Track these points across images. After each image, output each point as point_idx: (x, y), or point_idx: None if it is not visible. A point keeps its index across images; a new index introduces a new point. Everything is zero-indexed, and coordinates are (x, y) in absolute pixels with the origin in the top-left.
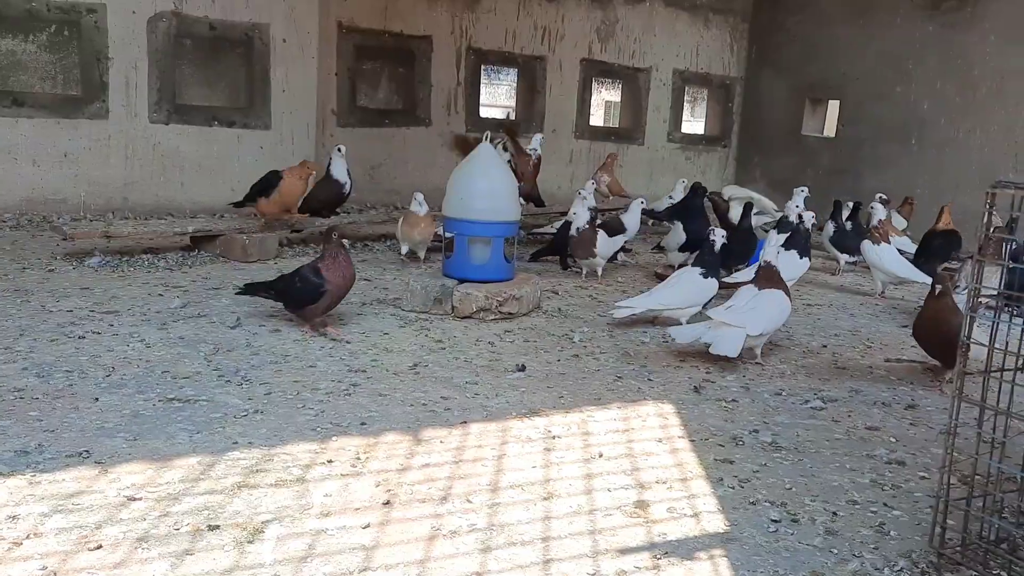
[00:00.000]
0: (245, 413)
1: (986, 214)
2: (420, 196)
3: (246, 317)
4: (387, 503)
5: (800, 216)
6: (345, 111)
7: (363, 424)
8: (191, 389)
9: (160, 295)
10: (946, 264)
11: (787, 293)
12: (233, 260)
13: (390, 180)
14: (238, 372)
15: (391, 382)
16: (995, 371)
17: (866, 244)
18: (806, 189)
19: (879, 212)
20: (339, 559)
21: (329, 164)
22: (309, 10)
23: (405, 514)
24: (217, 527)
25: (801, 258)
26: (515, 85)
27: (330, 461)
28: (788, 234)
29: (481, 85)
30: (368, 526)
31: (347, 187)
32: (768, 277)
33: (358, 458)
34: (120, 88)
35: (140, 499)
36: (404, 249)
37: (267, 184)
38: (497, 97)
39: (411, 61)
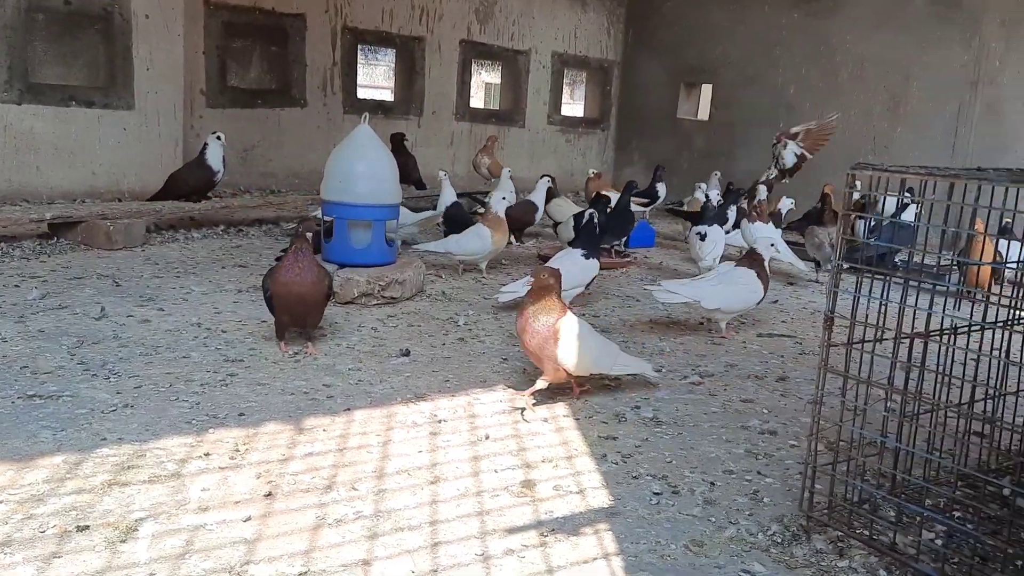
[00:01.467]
0: (114, 408)
1: (846, 194)
2: (509, 194)
3: (112, 307)
4: (269, 495)
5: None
6: (215, 91)
7: (242, 415)
8: (54, 385)
9: (16, 286)
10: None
11: (761, 278)
12: (97, 248)
13: (264, 163)
14: (105, 365)
15: (270, 371)
16: (856, 343)
17: (744, 223)
18: (719, 172)
19: (762, 193)
20: (219, 554)
21: (204, 149)
22: None
23: (288, 505)
24: (87, 528)
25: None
26: (393, 66)
27: (207, 454)
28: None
29: (358, 65)
30: (249, 519)
31: (219, 175)
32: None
33: (237, 450)
34: None
35: (0, 502)
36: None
37: None
38: (375, 78)
39: (284, 40)
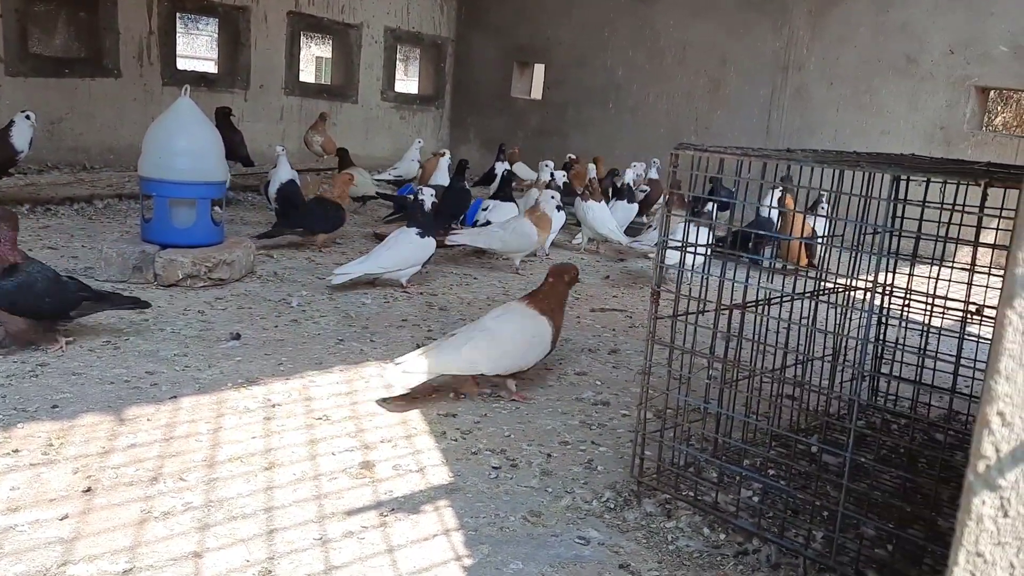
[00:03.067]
0: None
1: (671, 173)
2: (556, 194)
3: None
4: (88, 490)
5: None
6: (15, 59)
7: (55, 407)
8: None
9: None
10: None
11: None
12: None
13: (74, 137)
14: None
15: (86, 359)
16: (681, 315)
17: (577, 201)
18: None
19: (592, 172)
20: (33, 556)
21: (10, 126)
22: None
23: (110, 500)
24: None
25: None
26: (216, 36)
27: (16, 451)
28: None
29: (178, 35)
30: (66, 517)
31: (22, 154)
32: None
33: (51, 444)
34: None
35: None
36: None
37: None
38: (197, 48)
39: (94, 5)
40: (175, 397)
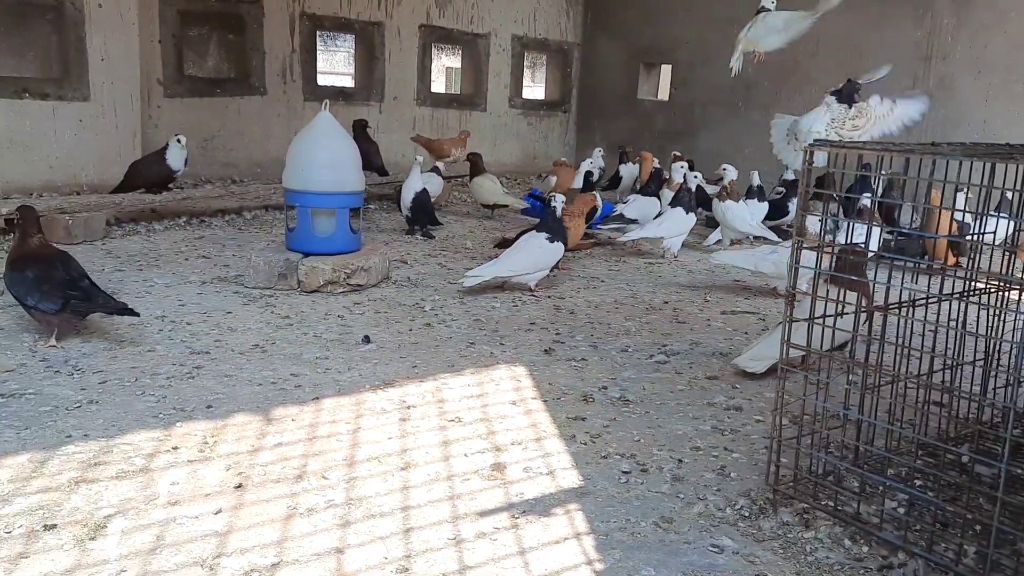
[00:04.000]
0: (78, 404)
1: (806, 171)
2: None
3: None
4: (239, 486)
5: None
6: (172, 80)
7: (209, 407)
8: (15, 383)
9: None
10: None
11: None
12: (55, 242)
13: (225, 153)
14: (68, 361)
15: (237, 362)
16: (818, 318)
17: (715, 202)
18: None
19: (731, 174)
20: (191, 548)
21: (166, 148)
22: None
23: (259, 496)
24: (54, 526)
25: (687, 214)
26: (353, 52)
27: (176, 448)
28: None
29: (318, 52)
30: (220, 512)
31: (178, 172)
32: None
33: (206, 443)
34: None
35: None
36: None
37: None
38: (335, 64)
39: (241, 27)
40: (317, 398)
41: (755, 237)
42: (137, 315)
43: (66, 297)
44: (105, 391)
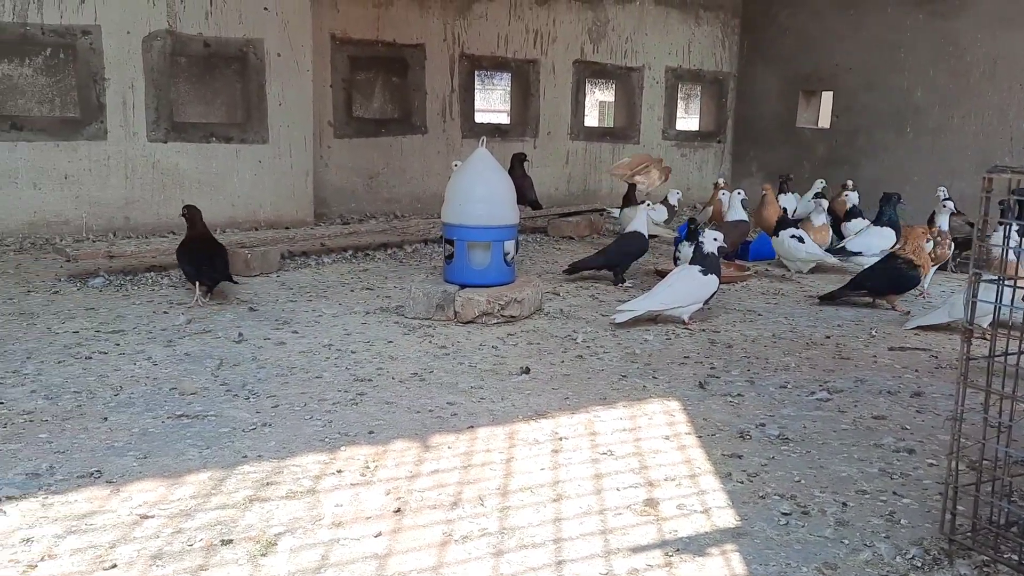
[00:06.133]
0: (253, 426)
1: (983, 200)
2: (824, 203)
3: (250, 331)
4: (398, 511)
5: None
6: (341, 122)
7: (371, 433)
8: (199, 405)
9: (165, 312)
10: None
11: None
12: (236, 274)
13: (388, 189)
14: (245, 386)
15: (397, 390)
16: (999, 355)
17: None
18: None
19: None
20: (353, 568)
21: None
22: (302, 24)
23: (416, 521)
24: (230, 541)
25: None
26: (509, 89)
27: (340, 471)
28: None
29: (475, 91)
30: (380, 534)
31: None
32: None
33: (367, 467)
34: (117, 108)
35: (152, 516)
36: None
37: None
38: (492, 102)
39: (405, 70)
40: (472, 427)
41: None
42: (236, 282)
43: (199, 267)
44: (277, 415)
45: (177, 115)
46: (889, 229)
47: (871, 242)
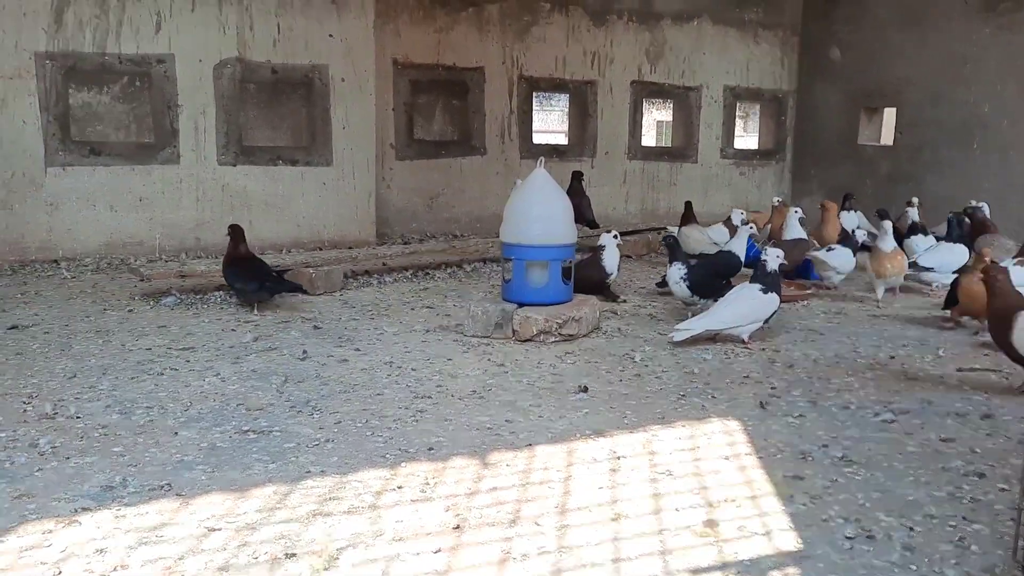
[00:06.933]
0: (317, 442)
1: None
2: (888, 225)
3: (314, 348)
4: (457, 527)
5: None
6: (403, 144)
7: (431, 449)
8: (265, 420)
9: (233, 330)
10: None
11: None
12: (301, 293)
13: (448, 209)
14: (309, 402)
15: (456, 407)
16: None
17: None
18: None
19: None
20: None
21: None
22: (365, 50)
23: (475, 538)
24: (294, 555)
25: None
26: (567, 110)
27: (400, 487)
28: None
29: (533, 112)
30: (439, 551)
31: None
32: None
33: (427, 483)
34: (189, 133)
35: (220, 529)
36: (880, 292)
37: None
38: (549, 123)
39: (464, 92)
40: (530, 445)
41: None
42: (306, 292)
43: (261, 280)
44: (340, 431)
45: (246, 139)
46: (961, 245)
47: (944, 258)
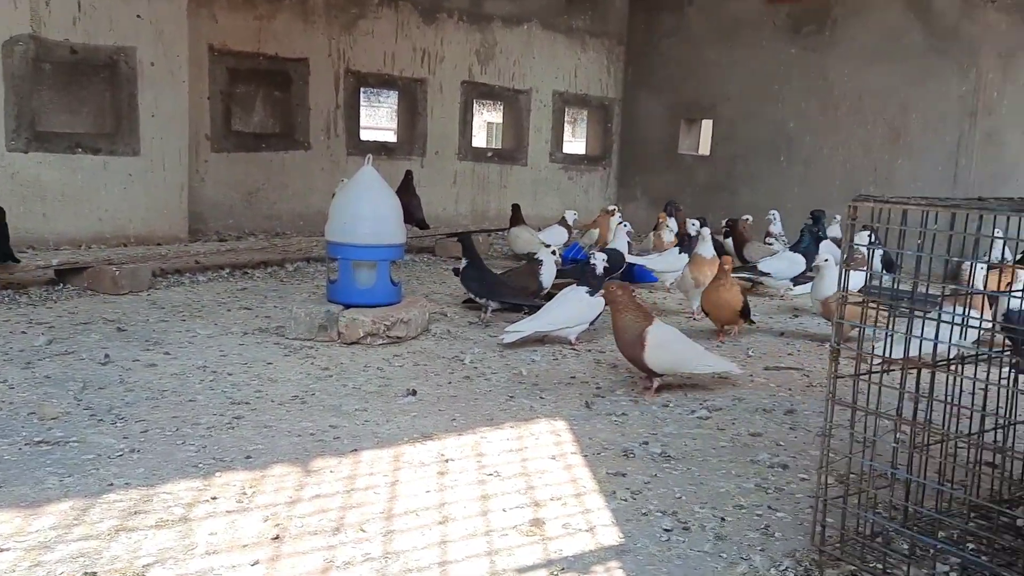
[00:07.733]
0: (120, 453)
1: (849, 226)
2: (707, 232)
3: (117, 352)
4: (277, 538)
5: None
6: (219, 136)
7: (248, 458)
8: (60, 431)
9: (23, 332)
10: None
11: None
12: (103, 293)
13: (269, 206)
14: (111, 410)
15: (277, 413)
16: (863, 374)
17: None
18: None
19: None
20: None
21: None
22: (178, 33)
23: (296, 548)
24: (94, 574)
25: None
26: (396, 107)
27: (215, 498)
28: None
29: (361, 108)
30: (257, 563)
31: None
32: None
33: (244, 493)
34: None
35: (7, 549)
36: (695, 303)
37: None
38: (378, 119)
39: (288, 84)
40: (356, 450)
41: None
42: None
43: None
44: (147, 440)
45: (40, 124)
46: (800, 255)
47: (779, 265)
